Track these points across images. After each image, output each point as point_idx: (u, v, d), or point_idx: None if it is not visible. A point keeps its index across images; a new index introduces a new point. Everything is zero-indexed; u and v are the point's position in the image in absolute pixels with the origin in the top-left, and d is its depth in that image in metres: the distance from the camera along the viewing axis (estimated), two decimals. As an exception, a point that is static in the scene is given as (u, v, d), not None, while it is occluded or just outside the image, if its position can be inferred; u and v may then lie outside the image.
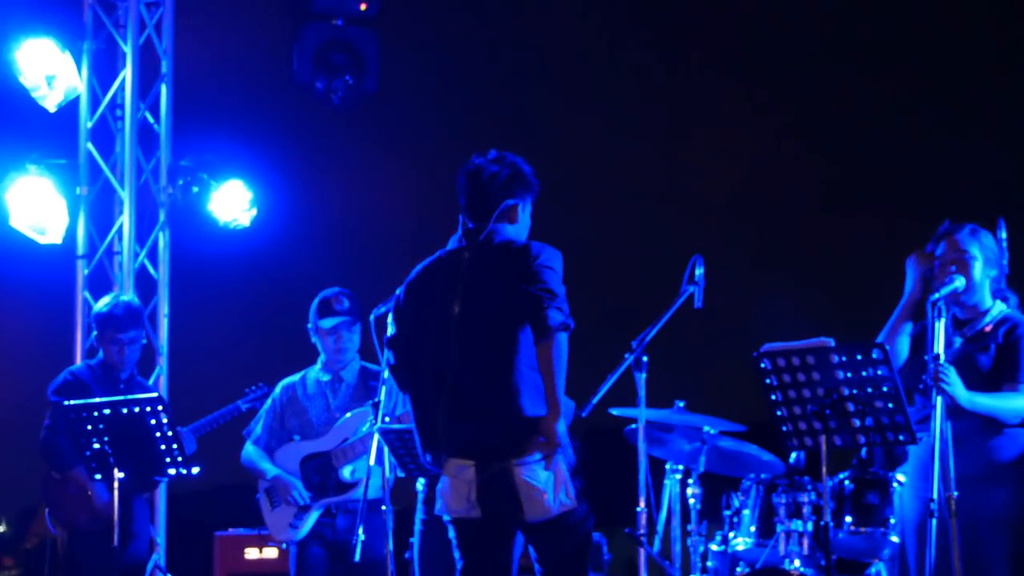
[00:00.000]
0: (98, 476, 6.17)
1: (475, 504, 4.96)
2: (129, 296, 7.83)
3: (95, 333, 7.08)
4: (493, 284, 5.00)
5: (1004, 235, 6.36)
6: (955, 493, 5.13)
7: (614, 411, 6.15)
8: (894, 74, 11.74)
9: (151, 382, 8.15)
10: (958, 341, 5.48)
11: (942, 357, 5.17)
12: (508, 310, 4.92)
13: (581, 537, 5.01)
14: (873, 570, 6.38)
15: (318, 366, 6.93)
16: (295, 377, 6.96)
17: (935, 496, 5.08)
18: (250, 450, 6.91)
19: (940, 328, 5.19)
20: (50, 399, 6.85)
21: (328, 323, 6.82)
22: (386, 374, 5.89)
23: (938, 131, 11.76)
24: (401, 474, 5.98)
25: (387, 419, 5.93)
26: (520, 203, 5.18)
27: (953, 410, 5.22)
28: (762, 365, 5.17)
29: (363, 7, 8.90)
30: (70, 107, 8.70)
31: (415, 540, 6.12)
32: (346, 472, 6.69)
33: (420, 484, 6.16)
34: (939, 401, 5.14)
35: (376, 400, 5.88)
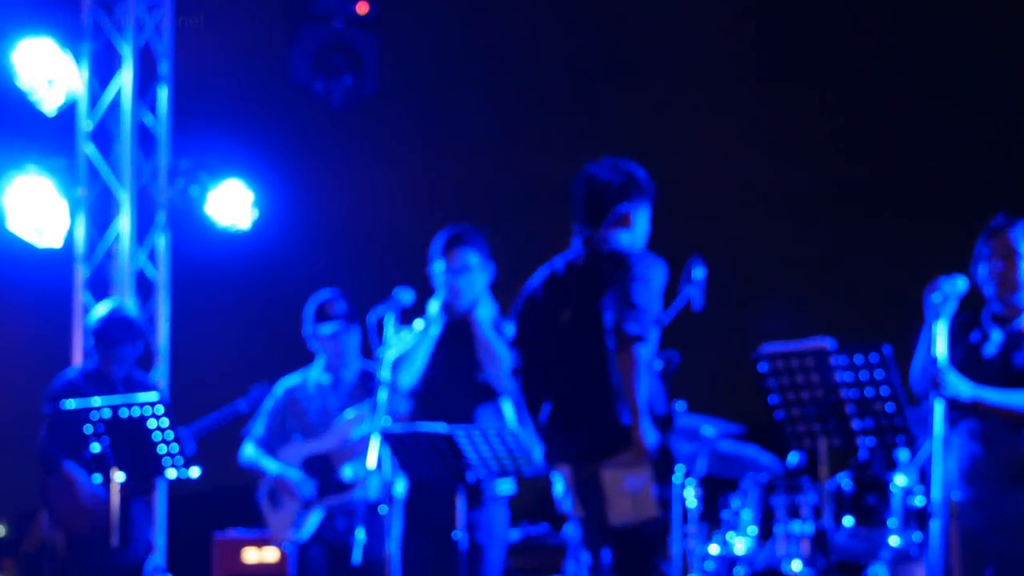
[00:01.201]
0: (97, 478, 6.19)
1: (576, 507, 5.14)
2: (126, 304, 7.81)
3: (93, 337, 7.06)
4: (595, 293, 5.13)
5: None
6: (960, 494, 5.13)
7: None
8: (900, 77, 11.75)
9: (151, 380, 8.13)
10: (997, 336, 5.36)
11: (941, 361, 5.11)
12: (603, 320, 5.06)
13: (656, 548, 5.07)
14: (872, 572, 6.40)
15: (319, 367, 6.93)
16: (295, 378, 6.96)
17: (935, 497, 5.09)
18: (250, 449, 6.91)
19: (938, 329, 5.17)
20: (45, 403, 6.84)
21: (327, 329, 6.82)
22: (387, 375, 5.93)
23: (942, 134, 11.77)
24: (400, 476, 5.94)
25: (388, 420, 5.86)
26: (633, 209, 5.27)
27: (972, 409, 5.16)
28: (761, 367, 5.18)
29: (362, 10, 8.89)
30: (69, 108, 8.65)
31: (393, 546, 5.99)
32: (346, 472, 6.69)
33: (400, 488, 6.12)
34: (938, 404, 5.11)
35: (376, 401, 5.88)
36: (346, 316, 6.81)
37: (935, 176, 11.89)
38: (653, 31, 11.64)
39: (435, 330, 6.01)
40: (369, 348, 6.20)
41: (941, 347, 5.15)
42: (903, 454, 6.27)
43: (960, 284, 5.32)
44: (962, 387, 5.16)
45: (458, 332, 5.99)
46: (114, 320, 7.00)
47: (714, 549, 6.54)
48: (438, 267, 6.04)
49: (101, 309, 7.18)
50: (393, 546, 6.04)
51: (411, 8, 10.37)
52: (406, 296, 5.95)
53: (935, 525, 5.11)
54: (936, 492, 5.10)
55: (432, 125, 11.27)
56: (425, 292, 6.05)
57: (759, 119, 11.88)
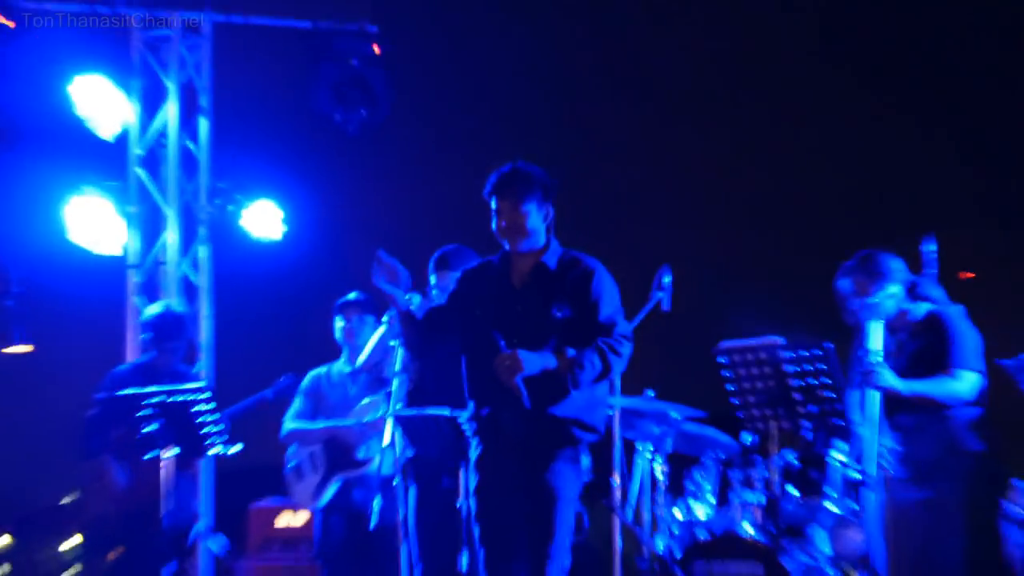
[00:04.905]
0: (149, 455, 6.22)
1: None
2: (174, 303, 7.80)
3: (144, 336, 7.07)
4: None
5: (934, 247, 6.35)
6: (893, 471, 5.14)
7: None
8: (858, 91, 11.68)
9: (195, 372, 8.16)
10: (895, 339, 5.41)
11: (876, 354, 5.15)
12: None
13: None
14: (815, 535, 6.45)
15: (341, 359, 6.98)
16: (321, 369, 6.99)
17: (870, 473, 5.12)
18: (292, 424, 6.90)
19: (873, 328, 5.17)
20: (96, 396, 6.83)
21: (341, 322, 6.87)
22: (398, 367, 5.98)
23: (892, 148, 11.73)
24: (410, 453, 5.99)
25: (399, 405, 5.94)
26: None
27: (902, 401, 5.18)
28: (720, 360, 5.27)
29: (376, 50, 8.90)
30: (121, 136, 8.68)
31: (410, 510, 6.04)
32: (361, 451, 6.73)
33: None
34: (871, 394, 5.12)
35: (389, 390, 5.94)
36: (360, 314, 6.84)
37: (883, 188, 11.87)
38: (644, 51, 11.61)
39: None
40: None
41: (876, 344, 5.18)
42: (840, 437, 6.35)
43: (894, 288, 5.38)
44: (892, 379, 5.19)
45: None
46: (166, 316, 7.01)
47: (678, 514, 6.47)
48: (432, 279, 6.09)
49: (154, 308, 7.20)
50: (406, 513, 6.09)
51: (418, 47, 10.40)
52: (414, 299, 5.86)
53: (871, 496, 5.15)
54: (871, 468, 5.13)
55: (435, 148, 11.30)
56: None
57: (721, 138, 11.90)
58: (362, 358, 6.74)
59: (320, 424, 6.83)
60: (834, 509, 6.17)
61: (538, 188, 5.10)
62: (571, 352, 4.92)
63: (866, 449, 5.15)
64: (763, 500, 6.24)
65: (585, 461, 5.10)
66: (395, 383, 5.95)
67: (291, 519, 8.59)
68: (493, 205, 5.10)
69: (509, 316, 5.07)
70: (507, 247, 5.16)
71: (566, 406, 4.99)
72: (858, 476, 6.17)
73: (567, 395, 4.96)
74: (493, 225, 5.13)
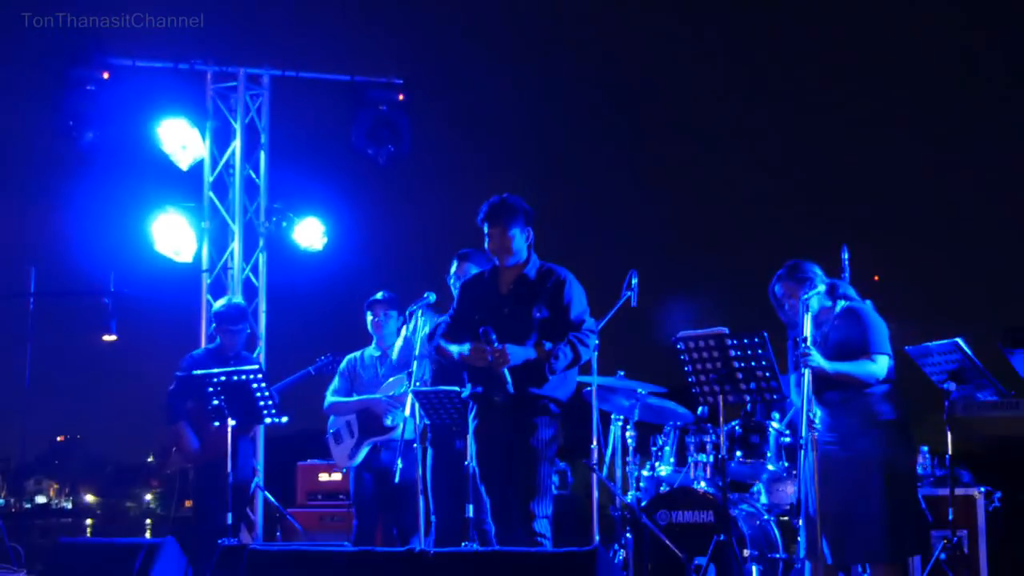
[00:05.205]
0: (216, 423, 6.13)
1: None
2: (238, 299, 7.74)
3: (214, 325, 6.97)
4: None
5: (846, 255, 6.29)
6: (822, 436, 5.03)
7: (577, 378, 6.15)
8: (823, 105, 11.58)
9: (254, 356, 8.11)
10: (819, 332, 5.29)
11: (808, 341, 5.04)
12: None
13: None
14: (755, 489, 6.38)
15: (372, 345, 6.86)
16: (356, 353, 6.88)
17: (803, 437, 5.01)
18: (333, 398, 6.78)
19: (806, 319, 5.10)
20: (176, 373, 6.72)
21: (371, 315, 6.78)
22: (417, 352, 5.90)
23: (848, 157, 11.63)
24: (427, 421, 5.85)
25: (418, 383, 5.88)
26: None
27: (828, 379, 5.07)
28: (678, 346, 5.15)
29: (401, 98, 8.90)
30: (197, 167, 8.65)
31: (428, 469, 6.04)
32: (388, 420, 6.61)
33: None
34: (806, 373, 5.00)
35: (410, 371, 5.88)
36: (386, 309, 6.73)
37: (809, 203, 11.83)
38: (650, 85, 11.53)
39: None
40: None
41: (807, 331, 5.10)
42: (776, 410, 6.25)
43: (821, 287, 5.27)
44: (821, 360, 5.10)
45: None
46: (231, 308, 6.92)
47: (645, 473, 6.49)
48: (452, 267, 6.04)
49: (220, 302, 7.11)
50: (424, 471, 6.06)
51: (435, 95, 10.35)
52: (431, 296, 5.95)
53: (805, 458, 5.06)
54: (805, 434, 5.05)
55: (449, 175, 11.23)
56: (445, 293, 6.00)
57: (682, 147, 11.79)
58: (395, 351, 6.62)
59: (354, 399, 6.73)
60: (771, 467, 6.11)
61: (521, 216, 5.17)
62: (548, 345, 5.03)
63: (802, 419, 5.01)
64: (713, 460, 6.19)
65: (558, 428, 5.14)
66: (415, 365, 5.88)
67: (331, 475, 8.49)
68: (485, 230, 5.20)
69: (498, 317, 5.11)
70: (496, 263, 5.23)
71: (544, 387, 5.06)
72: (790, 441, 6.09)
73: (545, 379, 5.05)
74: (486, 245, 5.22)
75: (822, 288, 5.26)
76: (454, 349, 5.17)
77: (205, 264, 8.67)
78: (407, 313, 6.09)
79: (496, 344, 4.96)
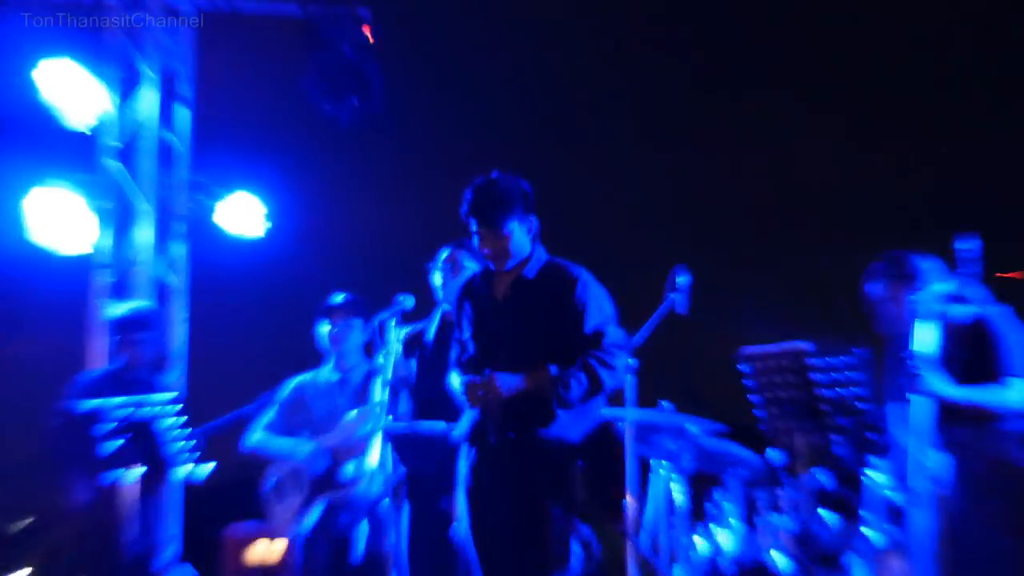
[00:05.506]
0: (115, 474, 6.13)
1: None
2: (146, 302, 7.82)
3: (112, 337, 6.98)
4: None
5: (973, 245, 6.23)
6: (943, 490, 5.01)
7: (606, 412, 6.08)
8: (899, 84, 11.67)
9: (170, 382, 8.05)
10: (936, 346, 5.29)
11: (923, 358, 5.01)
12: None
13: None
14: (849, 563, 6.31)
15: (329, 366, 6.87)
16: (306, 376, 6.90)
17: (917, 493, 5.02)
18: (258, 434, 6.81)
19: (924, 328, 5.05)
20: (64, 403, 6.70)
21: (327, 326, 6.78)
22: (389, 375, 5.87)
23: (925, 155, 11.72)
24: (403, 470, 5.92)
25: (392, 419, 5.88)
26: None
27: (953, 411, 5.07)
28: (743, 368, 5.18)
29: (368, 34, 8.86)
30: (94, 128, 8.63)
31: (401, 537, 6.05)
32: (348, 468, 6.59)
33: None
34: (918, 402, 4.99)
35: (380, 400, 5.86)
36: (347, 317, 6.77)
37: (914, 191, 11.86)
38: (646, 55, 11.59)
39: None
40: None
41: (925, 346, 5.02)
42: (877, 453, 6.21)
43: (938, 287, 5.22)
44: (942, 385, 5.05)
45: None
46: (136, 312, 6.97)
47: (698, 540, 6.44)
48: (436, 279, 6.09)
49: (120, 308, 7.14)
50: (397, 539, 6.05)
51: (416, 33, 10.34)
52: (408, 302, 5.96)
53: (919, 519, 5.04)
54: (919, 488, 4.99)
55: (433, 144, 11.22)
56: (426, 298, 6.03)
57: (747, 130, 11.82)
58: (360, 374, 6.72)
59: (286, 444, 6.73)
60: (873, 535, 6.02)
61: (518, 203, 5.17)
62: (553, 370, 5.00)
63: (911, 466, 4.99)
64: (791, 524, 6.14)
65: (577, 480, 5.14)
66: (386, 393, 5.88)
67: (268, 549, 8.47)
68: (473, 227, 5.18)
69: (492, 332, 5.19)
70: (492, 267, 5.26)
71: (553, 426, 5.05)
72: (900, 497, 6.01)
73: (554, 415, 5.02)
74: (475, 244, 5.21)
75: (941, 288, 5.18)
76: (455, 384, 5.20)
77: (102, 257, 8.63)
78: (377, 324, 6.07)
79: (485, 372, 5.00)
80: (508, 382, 4.98)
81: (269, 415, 6.83)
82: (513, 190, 5.15)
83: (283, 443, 6.70)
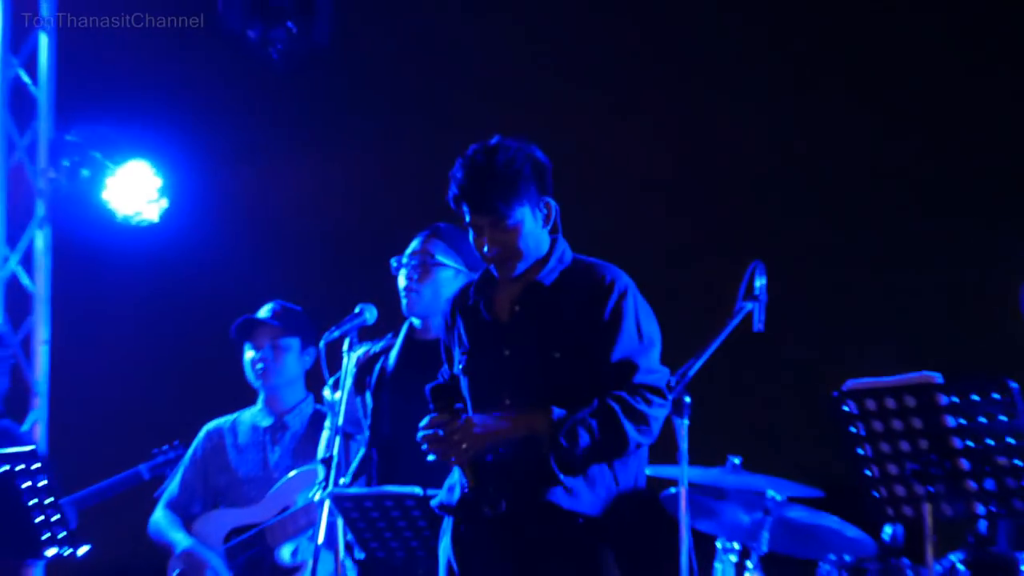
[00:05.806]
0: None
1: None
2: None
3: None
4: None
5: None
6: None
7: (648, 470, 6.13)
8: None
9: (25, 429, 8.13)
10: None
11: None
12: None
13: None
14: None
15: (257, 407, 7.00)
16: (225, 420, 7.03)
17: None
18: (159, 516, 6.92)
19: None
20: None
21: (250, 352, 6.91)
22: (341, 420, 5.92)
23: None
24: (360, 555, 5.98)
25: (343, 480, 5.95)
26: None
27: None
28: (845, 409, 5.19)
29: None
30: None
31: None
32: (285, 553, 6.73)
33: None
34: None
35: (327, 456, 5.97)
36: (279, 337, 6.88)
37: None
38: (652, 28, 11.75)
39: None
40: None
41: None
42: None
43: None
44: None
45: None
46: None
47: None
48: (402, 281, 6.19)
49: None
50: None
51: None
52: (368, 314, 6.06)
53: None
54: None
55: (404, 89, 11.28)
56: (387, 308, 6.12)
57: (834, 110, 12.01)
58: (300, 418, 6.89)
59: (185, 542, 6.85)
60: None
61: (530, 182, 5.24)
62: (557, 413, 5.08)
63: None
64: None
65: (604, 565, 5.22)
66: (336, 443, 5.95)
67: None
68: (467, 218, 5.28)
69: (494, 365, 5.28)
70: (495, 273, 5.36)
71: (567, 492, 5.16)
72: None
73: (555, 477, 5.13)
74: (471, 240, 5.32)
75: None
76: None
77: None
78: (323, 345, 6.13)
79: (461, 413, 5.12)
80: (489, 426, 5.07)
81: (172, 487, 6.94)
82: (520, 164, 5.21)
83: (182, 538, 6.81)
